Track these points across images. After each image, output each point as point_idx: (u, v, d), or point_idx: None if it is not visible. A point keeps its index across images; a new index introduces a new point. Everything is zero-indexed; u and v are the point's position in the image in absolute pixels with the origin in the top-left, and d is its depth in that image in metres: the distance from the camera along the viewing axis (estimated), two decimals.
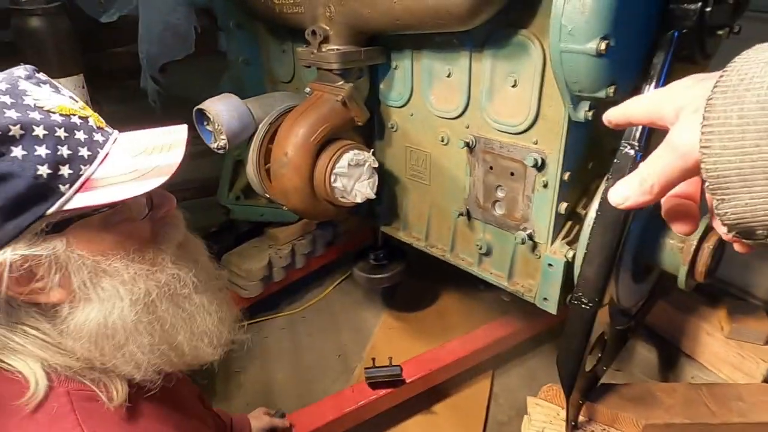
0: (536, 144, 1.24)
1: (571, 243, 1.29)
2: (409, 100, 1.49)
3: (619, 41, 0.98)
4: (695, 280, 1.21)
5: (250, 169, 1.54)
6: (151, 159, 0.65)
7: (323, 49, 1.40)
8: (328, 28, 1.39)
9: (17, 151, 0.57)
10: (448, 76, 1.36)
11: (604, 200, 1.12)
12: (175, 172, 0.63)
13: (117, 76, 2.48)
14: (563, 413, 1.29)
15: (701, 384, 1.38)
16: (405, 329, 2.42)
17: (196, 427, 0.86)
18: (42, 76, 0.67)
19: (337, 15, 1.35)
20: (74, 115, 0.64)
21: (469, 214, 1.46)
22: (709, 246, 1.17)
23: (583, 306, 1.16)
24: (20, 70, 0.65)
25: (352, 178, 1.48)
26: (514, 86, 1.23)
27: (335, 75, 1.41)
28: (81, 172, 0.62)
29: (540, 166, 1.23)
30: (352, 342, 2.39)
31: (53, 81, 0.68)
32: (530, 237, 1.32)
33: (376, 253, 2.09)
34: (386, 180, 1.65)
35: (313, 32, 1.40)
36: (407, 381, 1.83)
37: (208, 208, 2.34)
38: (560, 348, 1.21)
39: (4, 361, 0.64)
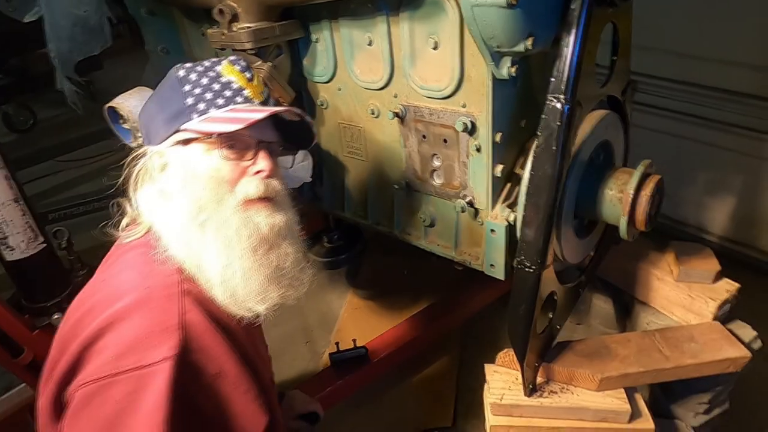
0: (465, 107, 1.18)
1: (513, 206, 1.25)
2: (334, 74, 1.42)
3: None
4: (637, 228, 1.20)
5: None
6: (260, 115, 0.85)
7: (234, 29, 1.31)
8: (235, 5, 1.29)
9: (187, 88, 0.88)
10: (369, 44, 1.29)
11: (536, 158, 1.08)
12: (256, 121, 0.83)
13: (50, 78, 2.31)
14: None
15: (654, 330, 1.38)
16: (371, 308, 2.39)
17: (266, 360, 1.08)
18: (243, 62, 0.93)
19: None
20: (235, 82, 0.89)
21: (409, 187, 1.41)
22: (646, 194, 1.15)
23: (526, 269, 1.13)
24: (233, 57, 0.94)
25: (286, 163, 1.41)
26: (435, 48, 1.17)
27: (251, 55, 1.32)
28: (208, 110, 0.87)
29: (471, 130, 1.19)
30: (319, 327, 2.35)
31: (250, 68, 0.93)
32: (470, 204, 1.28)
33: (330, 235, 2.03)
34: (324, 160, 1.59)
35: (221, 11, 1.30)
36: (373, 361, 1.81)
37: None
38: (509, 313, 1.19)
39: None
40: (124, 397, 0.74)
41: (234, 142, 0.87)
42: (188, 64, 0.91)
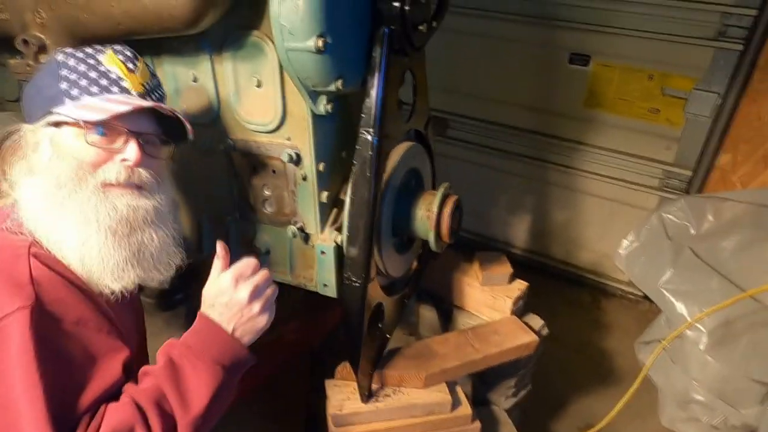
0: (289, 140, 1.29)
1: (339, 228, 1.37)
2: None
3: (336, 38, 1.07)
4: (444, 241, 1.41)
5: None
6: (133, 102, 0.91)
7: (41, 60, 1.24)
8: (42, 36, 1.23)
9: (64, 73, 0.91)
10: (195, 81, 1.32)
11: (353, 185, 1.22)
12: (120, 114, 0.88)
13: None
14: None
15: (467, 329, 1.61)
16: None
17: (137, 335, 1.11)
18: (129, 52, 0.98)
19: (50, 21, 1.21)
20: (113, 72, 0.93)
21: (242, 217, 1.45)
22: (447, 211, 1.36)
23: (353, 284, 1.25)
24: (118, 46, 0.98)
25: None
26: (258, 86, 1.25)
27: None
28: (81, 97, 0.90)
29: (296, 161, 1.29)
30: None
31: (137, 58, 0.98)
32: (301, 230, 1.37)
33: None
34: None
35: (25, 41, 1.22)
36: None
37: None
38: (343, 325, 1.29)
39: None
40: None
41: (105, 130, 0.90)
42: (69, 49, 0.94)
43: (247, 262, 0.96)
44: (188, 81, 1.33)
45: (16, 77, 1.30)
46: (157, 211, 0.97)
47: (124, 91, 0.93)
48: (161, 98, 1.04)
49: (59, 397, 0.77)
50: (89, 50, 0.95)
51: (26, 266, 0.83)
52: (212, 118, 1.35)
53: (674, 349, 1.95)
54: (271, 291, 0.99)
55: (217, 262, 0.98)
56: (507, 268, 1.72)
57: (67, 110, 0.90)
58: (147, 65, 1.01)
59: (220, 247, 0.98)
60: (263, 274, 0.97)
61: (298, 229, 1.36)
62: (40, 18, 1.21)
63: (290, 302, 2.10)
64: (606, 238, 2.88)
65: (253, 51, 1.22)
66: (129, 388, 0.87)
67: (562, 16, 2.55)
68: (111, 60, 0.94)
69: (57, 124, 0.92)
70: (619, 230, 2.71)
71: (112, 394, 0.86)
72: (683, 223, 2.05)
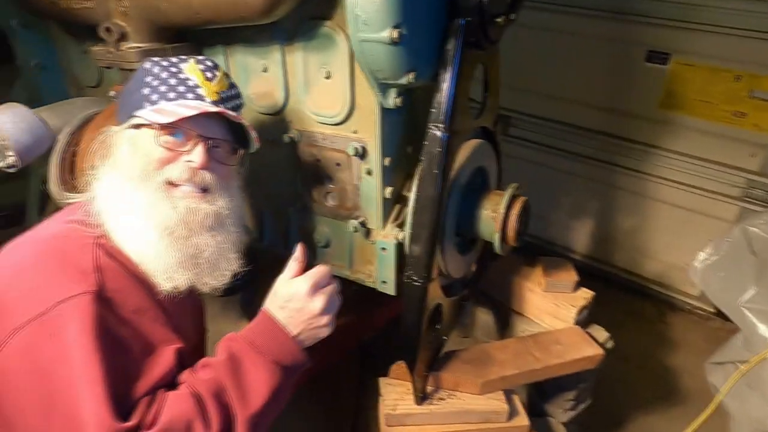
0: (356, 133, 1.27)
1: (401, 225, 1.35)
2: None
3: (411, 30, 1.03)
4: (509, 244, 1.35)
5: (53, 186, 1.36)
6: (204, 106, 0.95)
7: (122, 48, 1.28)
8: (124, 24, 1.27)
9: (148, 80, 0.97)
10: (264, 71, 1.33)
11: (420, 181, 1.19)
12: (185, 117, 0.91)
13: None
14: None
15: (528, 336, 1.54)
16: None
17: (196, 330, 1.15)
18: (210, 62, 1.01)
19: (132, 9, 1.24)
20: (192, 79, 0.97)
21: (304, 209, 1.45)
22: (514, 213, 1.30)
23: (414, 283, 1.22)
24: (201, 57, 1.01)
25: None
26: (328, 77, 1.24)
27: None
28: (159, 102, 0.95)
29: (362, 155, 1.27)
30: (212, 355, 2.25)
31: (216, 68, 1.01)
32: (363, 224, 1.35)
33: None
34: None
35: (108, 29, 1.27)
36: None
37: None
38: (399, 325, 1.27)
39: None
40: (55, 331, 0.79)
41: (176, 131, 0.94)
42: (156, 58, 1.00)
43: (323, 272, 0.96)
44: (258, 70, 1.34)
45: (98, 63, 1.36)
46: (219, 216, 0.98)
47: (199, 97, 0.97)
48: (237, 108, 1.05)
49: (116, 380, 0.79)
50: (174, 59, 1.00)
51: (91, 255, 0.88)
52: (280, 109, 1.35)
53: (752, 374, 1.80)
54: (338, 304, 0.99)
55: (293, 264, 0.97)
56: (572, 276, 1.64)
57: (144, 113, 0.94)
58: (227, 75, 1.03)
59: (299, 250, 0.98)
60: (335, 286, 0.98)
61: (359, 223, 1.34)
62: (123, 6, 1.25)
63: (344, 296, 2.10)
64: (676, 248, 2.71)
65: (325, 42, 1.21)
66: (189, 378, 0.89)
67: (640, 11, 2.40)
68: (191, 69, 0.98)
69: (137, 126, 0.96)
70: (691, 241, 2.54)
71: (167, 383, 0.88)
72: None
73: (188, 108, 0.93)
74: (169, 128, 0.93)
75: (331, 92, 1.25)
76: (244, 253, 1.08)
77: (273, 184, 1.48)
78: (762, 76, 2.25)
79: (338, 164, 1.33)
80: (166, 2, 1.19)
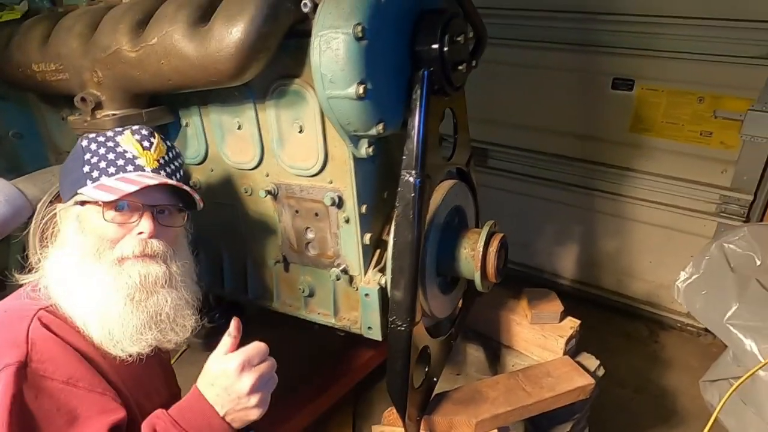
0: (331, 183, 1.29)
1: (383, 270, 1.36)
2: (206, 156, 1.46)
3: (376, 84, 1.08)
4: (490, 280, 1.36)
5: (32, 256, 1.35)
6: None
7: (98, 116, 1.31)
8: (98, 93, 1.31)
9: (87, 157, 1.00)
10: (239, 128, 1.36)
11: (396, 227, 1.21)
12: (129, 194, 0.93)
13: None
14: None
15: (518, 370, 1.54)
16: None
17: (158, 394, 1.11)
18: (145, 131, 1.04)
19: (107, 79, 1.28)
20: (130, 151, 1.00)
21: (285, 260, 1.46)
22: (493, 250, 1.32)
23: (398, 328, 1.22)
24: (136, 127, 1.05)
25: None
26: (300, 132, 1.28)
27: None
28: (100, 178, 0.98)
29: (339, 204, 1.29)
30: None
31: (152, 135, 1.04)
32: (344, 271, 1.37)
33: (211, 315, 1.98)
34: (201, 241, 1.58)
35: (83, 99, 1.30)
36: None
37: None
38: (388, 371, 1.26)
39: None
40: None
41: (120, 203, 0.96)
42: (92, 134, 1.03)
43: (257, 349, 0.91)
44: (233, 128, 1.37)
45: (74, 132, 1.38)
46: (170, 276, 1.01)
47: (139, 168, 1.00)
48: (178, 169, 1.08)
49: None
50: (110, 133, 1.02)
51: (26, 327, 0.90)
52: (256, 164, 1.38)
53: (746, 390, 1.80)
54: (272, 383, 0.94)
55: (227, 340, 0.92)
56: (557, 306, 1.65)
57: (87, 191, 0.97)
58: (163, 140, 1.06)
59: (233, 325, 0.93)
60: (269, 364, 0.92)
61: (341, 271, 1.35)
62: (97, 77, 1.29)
63: (327, 343, 2.09)
64: (661, 267, 2.74)
65: (295, 98, 1.24)
66: None
67: (603, 42, 2.50)
68: (127, 140, 1.01)
69: (82, 203, 0.99)
70: (674, 258, 2.57)
71: None
72: (747, 253, 1.91)
73: (129, 183, 0.95)
74: (114, 202, 0.95)
75: (304, 145, 1.29)
76: (200, 308, 1.11)
77: (254, 237, 1.49)
78: (723, 96, 2.33)
79: (317, 214, 1.35)
80: (138, 71, 1.23)
